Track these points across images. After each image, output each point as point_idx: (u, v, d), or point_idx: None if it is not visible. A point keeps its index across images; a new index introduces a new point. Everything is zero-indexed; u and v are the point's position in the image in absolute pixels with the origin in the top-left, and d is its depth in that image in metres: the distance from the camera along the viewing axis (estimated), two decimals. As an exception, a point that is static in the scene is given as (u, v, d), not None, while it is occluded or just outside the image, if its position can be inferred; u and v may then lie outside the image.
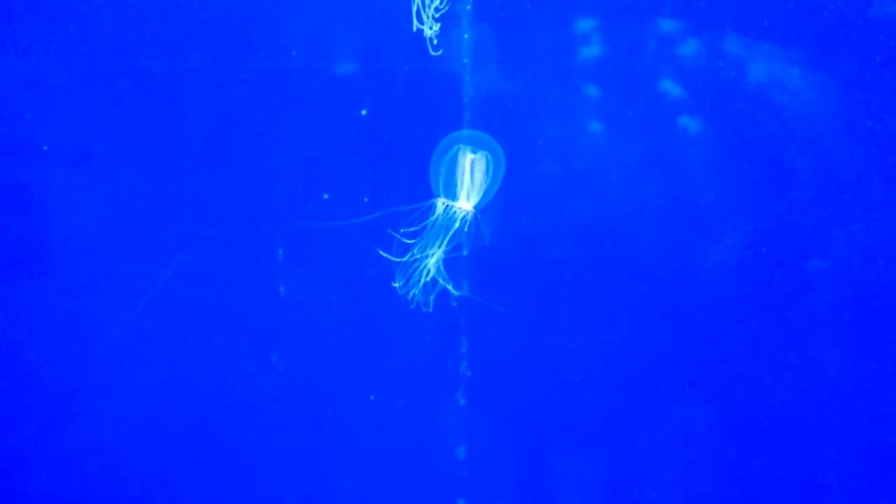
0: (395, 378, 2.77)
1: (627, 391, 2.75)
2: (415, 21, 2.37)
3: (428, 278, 2.52)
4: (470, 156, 2.46)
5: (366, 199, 2.66)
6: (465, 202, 2.47)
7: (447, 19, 2.46)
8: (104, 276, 2.72)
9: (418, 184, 2.55)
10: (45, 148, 2.63)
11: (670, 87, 2.56)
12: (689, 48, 2.54)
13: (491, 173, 2.49)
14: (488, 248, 2.64)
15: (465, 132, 2.53)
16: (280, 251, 2.70)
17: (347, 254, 2.71)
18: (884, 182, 2.56)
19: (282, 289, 2.72)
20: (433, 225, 2.47)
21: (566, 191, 2.66)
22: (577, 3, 2.48)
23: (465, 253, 2.50)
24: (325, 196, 2.68)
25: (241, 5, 2.61)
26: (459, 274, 2.66)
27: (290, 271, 2.71)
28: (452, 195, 2.47)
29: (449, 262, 2.61)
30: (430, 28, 2.33)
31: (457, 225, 2.49)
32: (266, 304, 2.72)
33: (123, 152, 2.68)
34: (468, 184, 2.47)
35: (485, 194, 2.50)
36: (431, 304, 2.57)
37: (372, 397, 2.77)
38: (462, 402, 2.74)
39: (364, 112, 2.62)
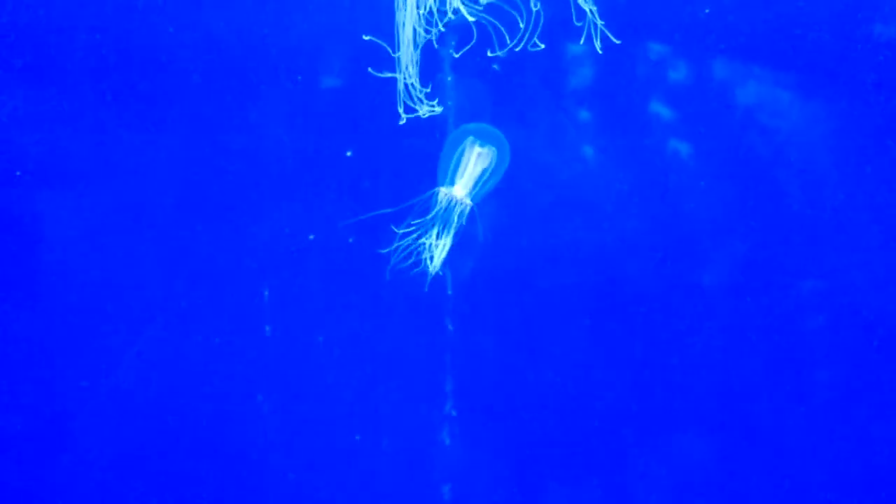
0: (381, 418, 2.77)
1: (619, 423, 2.75)
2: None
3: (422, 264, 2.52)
4: (478, 148, 2.47)
5: (351, 240, 2.69)
6: (464, 191, 2.47)
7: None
8: (92, 302, 2.73)
9: (406, 193, 2.56)
10: (18, 174, 2.65)
11: (661, 110, 2.59)
12: (680, 72, 2.57)
13: (493, 167, 2.50)
14: (477, 274, 2.67)
15: (474, 125, 2.54)
16: (266, 292, 2.72)
17: (333, 294, 2.73)
18: (874, 203, 2.58)
19: (267, 329, 2.73)
20: (434, 215, 2.48)
21: (558, 215, 2.68)
22: (568, 28, 2.51)
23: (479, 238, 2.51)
24: (311, 237, 2.70)
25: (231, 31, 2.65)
26: (445, 302, 2.69)
27: (276, 311, 2.73)
28: (453, 183, 2.48)
29: (438, 284, 2.64)
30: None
31: (455, 218, 2.50)
32: (252, 344, 2.73)
33: (110, 178, 2.69)
34: (470, 174, 2.48)
35: (485, 187, 2.51)
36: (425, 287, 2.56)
37: (357, 437, 2.77)
38: (447, 441, 2.74)
39: (349, 153, 2.65)
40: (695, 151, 2.60)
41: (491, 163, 2.48)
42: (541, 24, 2.36)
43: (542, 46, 2.38)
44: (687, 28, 2.55)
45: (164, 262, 2.73)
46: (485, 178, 2.49)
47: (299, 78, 2.62)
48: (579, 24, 2.38)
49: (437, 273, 2.55)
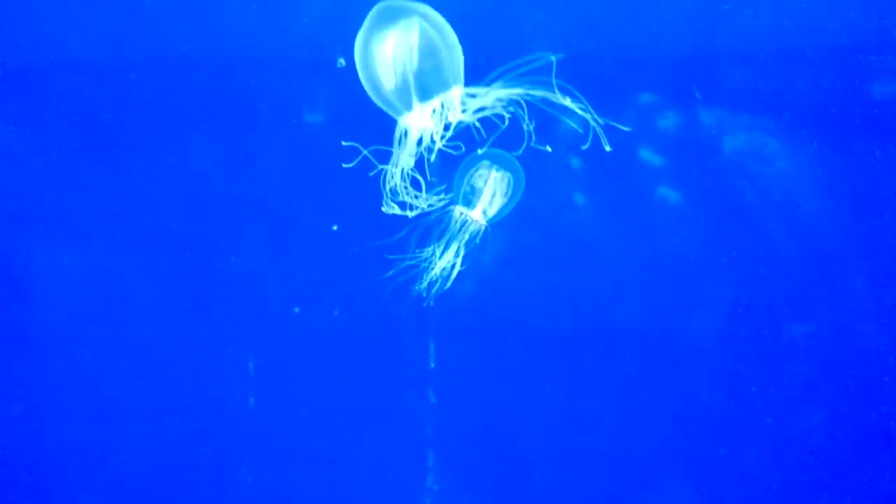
0: (363, 490, 2.77)
1: (608, 470, 2.75)
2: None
3: (432, 284, 2.51)
4: (495, 173, 2.47)
5: (336, 312, 2.72)
6: (481, 215, 2.48)
7: None
8: (74, 372, 2.74)
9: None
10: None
11: (651, 158, 2.62)
12: (669, 120, 2.61)
13: (509, 191, 2.49)
14: (461, 344, 2.70)
15: (488, 151, 2.52)
16: (250, 364, 2.73)
17: (317, 367, 2.75)
18: (861, 249, 2.61)
19: (251, 401, 2.74)
20: (447, 232, 2.47)
21: (549, 261, 2.70)
22: (560, 76, 2.58)
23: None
24: (297, 309, 2.73)
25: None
26: (427, 375, 2.71)
27: (260, 384, 2.74)
28: (470, 205, 2.47)
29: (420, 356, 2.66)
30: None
31: (467, 237, 2.50)
32: (236, 416, 2.74)
33: (91, 243, 2.73)
34: (487, 197, 2.48)
35: (500, 211, 2.50)
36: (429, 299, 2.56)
37: (341, 510, 2.77)
38: (436, 487, 2.73)
39: (335, 227, 2.70)
40: (684, 198, 2.63)
41: (507, 188, 2.49)
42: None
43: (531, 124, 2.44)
44: (675, 77, 2.61)
45: (149, 336, 2.74)
46: (500, 201, 2.50)
47: (294, 121, 2.67)
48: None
49: (427, 304, 2.54)
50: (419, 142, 2.32)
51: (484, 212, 2.47)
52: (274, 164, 2.68)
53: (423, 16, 2.23)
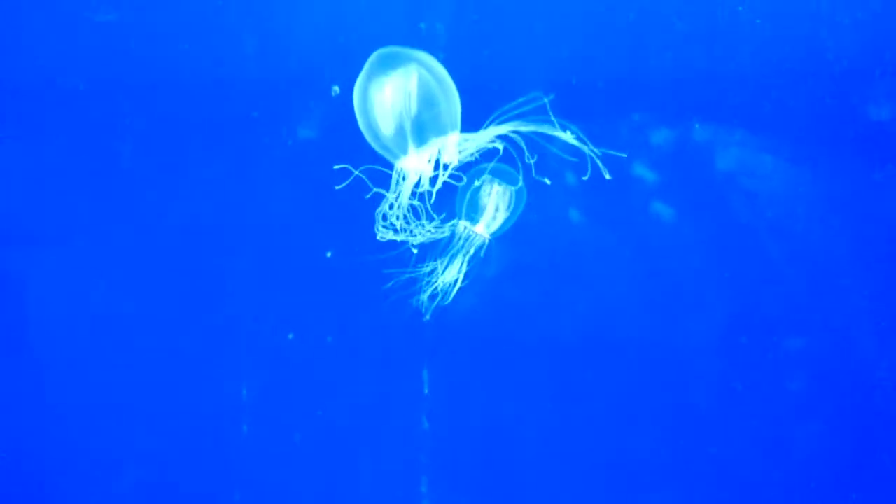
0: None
1: (605, 494, 2.75)
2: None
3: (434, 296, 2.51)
4: (497, 187, 2.49)
5: (329, 339, 2.73)
6: (485, 229, 2.49)
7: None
8: (69, 399, 2.74)
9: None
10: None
11: (644, 174, 2.63)
12: (663, 136, 2.63)
13: (511, 205, 2.51)
14: (460, 343, 2.70)
15: (493, 165, 2.54)
16: (244, 390, 2.73)
17: (310, 394, 2.75)
18: (855, 264, 2.62)
19: (245, 428, 2.74)
20: (451, 246, 2.48)
21: (544, 279, 2.71)
22: (557, 92, 2.59)
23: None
24: (290, 336, 2.73)
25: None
26: (421, 400, 2.71)
27: (254, 410, 2.74)
28: (474, 220, 2.48)
29: (414, 382, 2.67)
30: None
31: (471, 251, 2.51)
32: (229, 443, 2.73)
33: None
34: (490, 212, 2.49)
35: (502, 225, 2.51)
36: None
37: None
38: None
39: (329, 254, 2.71)
40: (678, 214, 2.65)
41: (509, 201, 2.50)
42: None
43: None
44: (670, 93, 2.63)
45: (143, 361, 2.74)
46: (502, 215, 2.51)
47: (289, 143, 2.68)
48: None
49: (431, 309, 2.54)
50: (417, 183, 2.35)
51: (487, 225, 2.49)
52: (267, 190, 2.69)
53: (422, 63, 2.29)
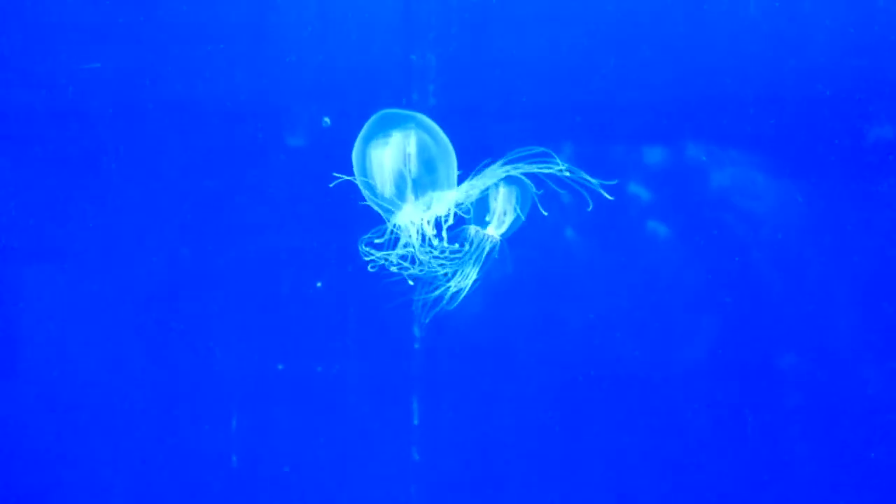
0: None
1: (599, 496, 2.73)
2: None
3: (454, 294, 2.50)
4: (503, 189, 2.50)
5: (319, 369, 2.72)
6: (495, 231, 2.50)
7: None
8: (64, 402, 2.74)
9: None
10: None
11: (639, 193, 2.64)
12: (656, 156, 2.64)
13: (519, 206, 2.52)
14: (450, 374, 2.70)
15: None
16: (233, 421, 2.72)
17: (299, 424, 2.74)
18: (848, 281, 2.63)
19: (234, 459, 2.72)
20: (465, 251, 2.48)
21: (539, 300, 2.71)
22: (551, 115, 2.60)
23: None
24: (280, 366, 2.73)
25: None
26: (411, 431, 2.70)
27: (243, 441, 2.72)
28: (484, 223, 2.50)
29: (404, 414, 2.65)
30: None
31: (485, 252, 2.51)
32: (218, 474, 2.72)
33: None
34: (500, 213, 2.50)
35: (512, 224, 2.53)
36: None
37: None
38: None
39: (319, 284, 2.71)
40: (672, 232, 2.66)
41: (515, 201, 2.52)
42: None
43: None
44: (664, 113, 2.64)
45: (132, 392, 2.73)
46: (511, 215, 2.52)
47: (279, 175, 2.69)
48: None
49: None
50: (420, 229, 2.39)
51: (498, 227, 2.50)
52: (258, 220, 2.70)
53: (419, 124, 2.35)
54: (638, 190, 2.64)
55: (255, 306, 2.71)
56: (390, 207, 2.34)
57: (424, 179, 2.32)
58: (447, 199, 2.34)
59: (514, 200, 2.52)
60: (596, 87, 2.64)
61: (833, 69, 2.58)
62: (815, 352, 2.65)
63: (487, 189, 2.51)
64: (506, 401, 2.72)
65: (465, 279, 2.47)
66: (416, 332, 2.69)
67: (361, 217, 2.45)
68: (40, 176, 2.72)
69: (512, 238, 2.56)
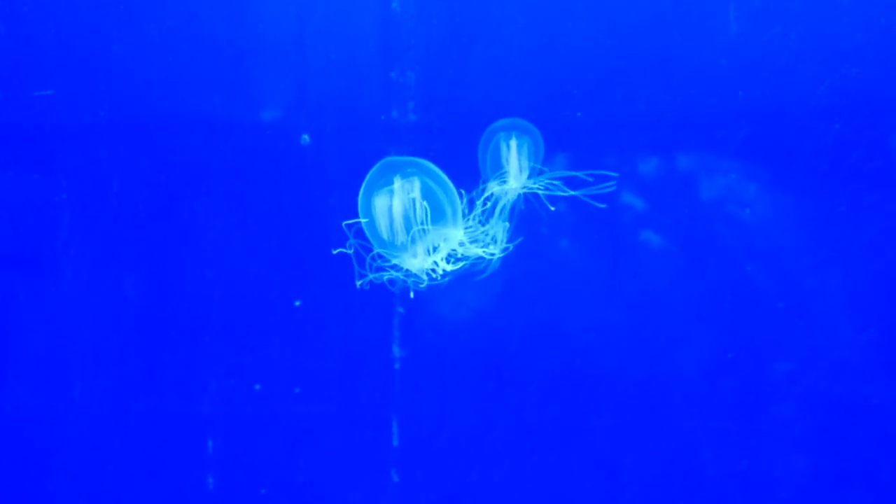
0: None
1: None
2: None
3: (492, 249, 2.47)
4: (514, 142, 2.50)
5: (297, 390, 2.69)
6: (515, 182, 2.50)
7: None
8: (39, 425, 2.71)
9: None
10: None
11: (634, 202, 2.63)
12: (649, 165, 2.64)
13: (533, 155, 2.52)
14: (430, 394, 2.67)
15: (504, 121, 2.56)
16: (209, 442, 2.69)
17: (276, 446, 2.71)
18: (841, 289, 2.62)
19: (210, 481, 2.69)
20: (491, 208, 2.47)
21: (534, 303, 2.69)
22: (544, 125, 2.59)
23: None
24: (257, 386, 2.70)
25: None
26: (390, 453, 2.67)
27: (219, 463, 2.69)
28: (503, 179, 2.50)
29: (383, 434, 2.62)
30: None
31: (507, 211, 2.50)
32: (194, 497, 2.68)
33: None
34: (515, 166, 2.50)
35: (531, 176, 2.52)
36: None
37: None
38: None
39: (297, 303, 2.69)
40: (666, 241, 2.65)
41: (529, 151, 2.51)
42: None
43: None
44: (657, 123, 2.64)
45: (107, 413, 2.70)
46: (526, 167, 2.51)
47: (258, 193, 2.68)
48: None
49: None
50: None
51: (517, 180, 2.49)
52: (234, 239, 2.68)
53: (421, 168, 2.37)
54: (631, 199, 2.64)
55: (232, 325, 2.68)
56: (400, 254, 2.37)
57: (430, 222, 2.35)
58: (454, 238, 2.37)
59: (526, 152, 2.51)
60: (578, 100, 2.63)
61: (824, 79, 2.58)
62: (809, 360, 2.64)
63: (497, 144, 2.51)
64: (487, 422, 2.70)
65: (496, 243, 2.44)
66: (396, 352, 2.66)
67: (341, 235, 2.43)
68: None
69: (502, 255, 2.55)
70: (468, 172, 2.50)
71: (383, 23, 2.66)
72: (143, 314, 2.69)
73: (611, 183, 2.55)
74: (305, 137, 2.65)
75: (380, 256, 2.39)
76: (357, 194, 2.45)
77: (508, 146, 2.52)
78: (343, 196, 2.53)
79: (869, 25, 2.58)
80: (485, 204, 2.47)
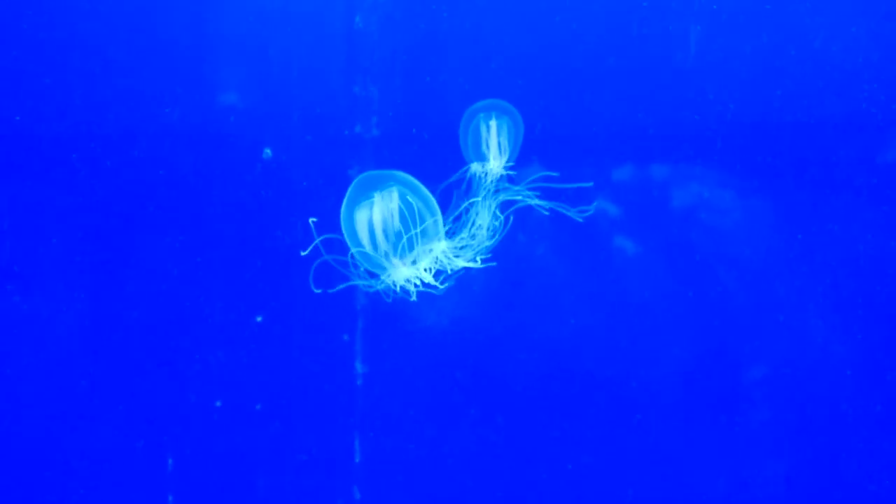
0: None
1: None
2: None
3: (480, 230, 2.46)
4: (493, 122, 2.51)
5: (258, 406, 2.67)
6: (496, 163, 2.50)
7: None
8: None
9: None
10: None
11: (608, 209, 2.64)
12: (624, 173, 2.64)
13: (513, 136, 2.53)
14: (393, 410, 2.66)
15: (484, 102, 2.57)
16: (170, 460, 2.66)
17: (238, 463, 2.68)
18: (814, 294, 2.65)
19: (170, 498, 2.66)
20: (475, 186, 2.48)
21: (509, 312, 2.69)
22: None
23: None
24: (218, 403, 2.68)
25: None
26: (352, 470, 2.65)
27: (180, 481, 2.66)
28: (482, 158, 2.51)
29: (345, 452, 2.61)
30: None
31: (491, 187, 2.49)
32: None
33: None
34: (495, 147, 2.51)
35: (512, 155, 2.54)
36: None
37: None
38: None
39: (259, 318, 2.67)
40: (640, 248, 2.66)
41: (509, 132, 2.52)
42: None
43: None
44: (631, 130, 2.65)
45: (67, 431, 2.67)
46: (506, 146, 2.52)
47: (222, 208, 2.66)
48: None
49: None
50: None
51: (497, 160, 2.50)
52: (195, 255, 2.66)
53: (401, 181, 2.38)
54: (606, 206, 2.65)
55: (192, 341, 2.66)
56: (384, 267, 2.36)
57: (412, 234, 2.36)
58: (437, 249, 2.38)
59: (506, 132, 2.52)
60: (546, 111, 2.64)
61: (797, 89, 2.62)
62: (783, 365, 2.67)
63: (478, 124, 2.52)
64: (451, 438, 2.69)
65: (477, 252, 2.44)
66: (359, 367, 2.65)
67: (304, 249, 2.42)
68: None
69: (465, 274, 2.52)
70: (431, 186, 2.49)
71: (347, 38, 2.66)
72: (100, 331, 2.66)
73: (588, 184, 2.56)
74: (268, 151, 2.64)
75: (345, 267, 2.38)
76: (320, 208, 2.45)
77: (488, 126, 2.53)
78: (306, 211, 2.52)
79: (845, 37, 2.61)
80: (463, 213, 2.48)
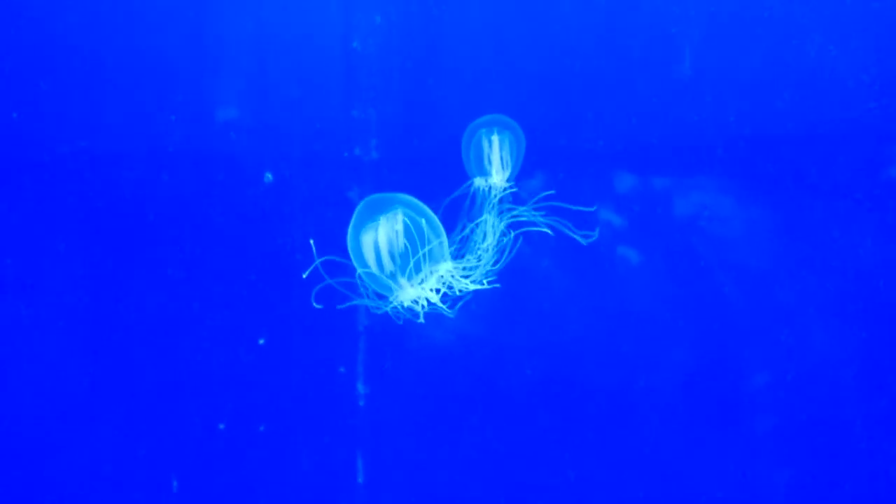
0: None
1: None
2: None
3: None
4: (496, 137, 2.53)
5: (262, 428, 2.69)
6: (499, 177, 2.52)
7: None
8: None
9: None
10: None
11: (612, 219, 2.65)
12: (626, 184, 2.66)
13: (515, 150, 2.54)
14: (407, 407, 2.68)
15: (486, 117, 2.58)
16: (174, 482, 2.68)
17: (241, 485, 2.70)
18: (815, 301, 2.66)
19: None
20: (478, 202, 2.49)
21: (513, 327, 2.70)
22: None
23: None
24: (221, 426, 2.69)
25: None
26: (356, 490, 2.66)
27: (185, 502, 2.68)
28: (485, 173, 2.52)
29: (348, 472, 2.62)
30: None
31: (495, 201, 2.50)
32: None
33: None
34: (497, 161, 2.53)
35: (514, 169, 2.55)
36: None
37: None
38: None
39: (262, 341, 2.69)
40: (644, 258, 2.67)
41: (511, 147, 2.53)
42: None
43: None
44: (633, 140, 2.66)
45: (72, 452, 2.68)
46: (509, 161, 2.53)
47: (221, 230, 2.68)
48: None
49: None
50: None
51: (500, 174, 2.51)
52: (196, 277, 2.68)
53: (405, 204, 2.39)
54: (609, 217, 2.65)
55: (195, 364, 2.68)
56: (391, 289, 2.38)
57: (418, 256, 2.37)
58: (443, 270, 2.39)
59: (508, 147, 2.53)
60: (544, 126, 2.65)
61: (801, 99, 2.63)
62: (786, 372, 2.67)
63: (479, 139, 2.54)
64: (454, 458, 2.70)
65: (483, 272, 2.45)
66: (361, 388, 2.67)
67: (301, 271, 2.43)
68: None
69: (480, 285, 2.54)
70: (432, 206, 2.51)
71: (344, 61, 2.67)
72: (103, 352, 2.68)
73: (591, 208, 2.57)
74: (269, 175, 2.66)
75: (347, 288, 2.40)
76: (320, 231, 2.47)
77: (490, 142, 2.54)
78: (306, 233, 2.54)
79: (837, 44, 2.62)
80: (468, 233, 2.49)
